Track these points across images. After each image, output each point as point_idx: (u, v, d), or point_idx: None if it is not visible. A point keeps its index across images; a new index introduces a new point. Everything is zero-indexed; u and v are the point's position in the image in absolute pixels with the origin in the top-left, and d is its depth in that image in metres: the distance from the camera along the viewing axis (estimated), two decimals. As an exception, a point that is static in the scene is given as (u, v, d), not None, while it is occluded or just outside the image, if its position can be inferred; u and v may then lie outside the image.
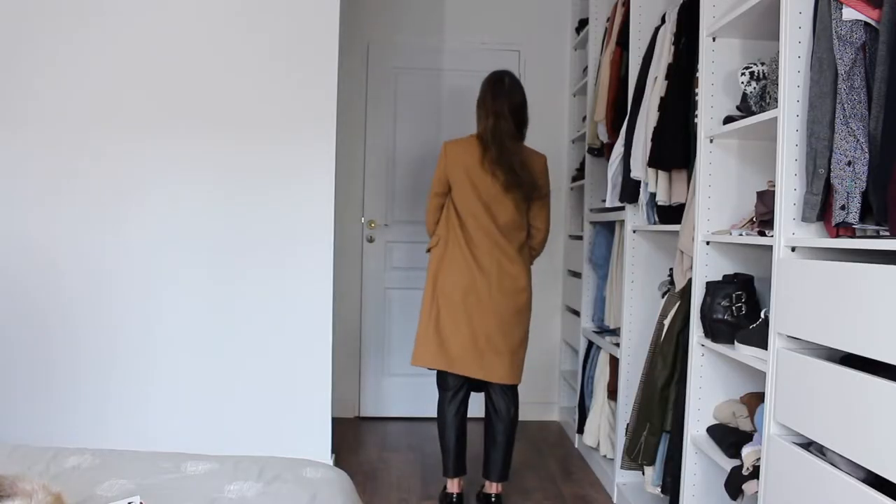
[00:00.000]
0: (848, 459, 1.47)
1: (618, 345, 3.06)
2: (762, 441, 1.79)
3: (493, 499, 2.83)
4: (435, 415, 2.92)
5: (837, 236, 1.62)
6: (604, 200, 3.29)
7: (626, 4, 3.05)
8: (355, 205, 4.13)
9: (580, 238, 3.80)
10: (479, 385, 2.86)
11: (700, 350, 2.26)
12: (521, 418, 4.14)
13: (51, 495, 1.29)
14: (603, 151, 3.35)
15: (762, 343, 1.89)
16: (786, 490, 1.67)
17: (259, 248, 2.96)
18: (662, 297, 2.69)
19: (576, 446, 3.73)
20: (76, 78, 2.88)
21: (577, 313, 3.80)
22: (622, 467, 2.70)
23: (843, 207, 1.56)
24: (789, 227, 1.76)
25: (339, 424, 3.41)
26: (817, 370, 1.58)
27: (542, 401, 4.25)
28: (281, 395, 2.99)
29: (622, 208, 3.04)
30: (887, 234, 1.48)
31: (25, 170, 2.88)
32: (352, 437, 3.79)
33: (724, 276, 2.20)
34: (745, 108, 2.06)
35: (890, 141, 1.45)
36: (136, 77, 2.90)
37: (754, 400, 2.10)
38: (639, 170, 2.69)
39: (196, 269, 2.95)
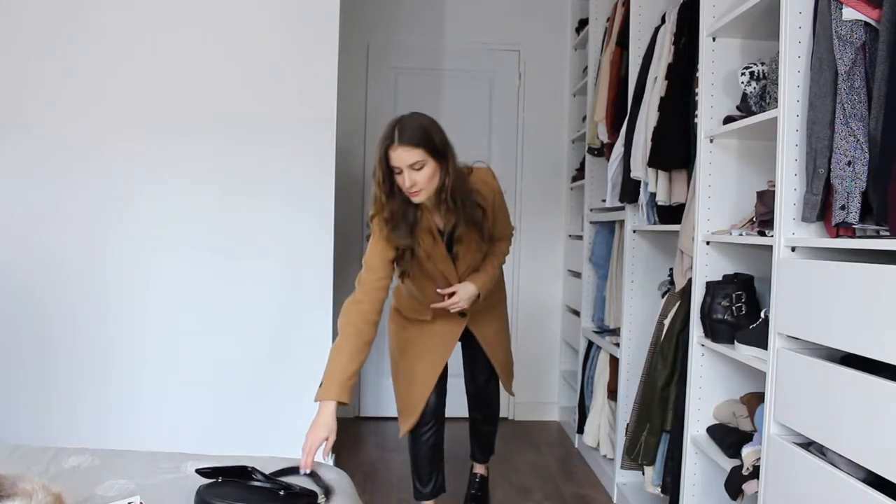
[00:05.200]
0: (848, 459, 1.47)
1: (618, 345, 3.05)
2: (762, 441, 1.79)
3: (477, 479, 2.85)
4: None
5: (837, 236, 1.62)
6: (604, 200, 3.29)
7: (626, 4, 3.05)
8: (355, 205, 4.12)
9: (580, 238, 3.80)
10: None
11: (700, 350, 2.26)
12: (521, 418, 4.19)
13: (51, 495, 1.29)
14: (603, 151, 3.35)
15: (762, 343, 1.89)
16: (786, 490, 1.67)
17: (259, 249, 2.96)
18: (662, 297, 2.69)
19: (576, 446, 3.73)
20: (81, 81, 2.88)
21: (577, 313, 3.80)
22: (622, 467, 2.70)
23: (843, 207, 1.56)
24: (789, 227, 1.76)
25: (339, 424, 3.40)
26: (817, 370, 1.58)
27: (542, 401, 4.25)
28: (281, 396, 2.99)
29: (622, 208, 3.04)
30: (887, 234, 1.48)
31: (30, 171, 2.87)
32: (352, 437, 3.79)
33: (724, 276, 2.20)
34: (745, 108, 2.06)
35: (890, 141, 1.45)
36: (138, 78, 2.90)
37: (754, 400, 2.10)
38: (639, 170, 2.69)
39: (197, 269, 2.95)
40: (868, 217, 1.54)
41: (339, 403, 2.09)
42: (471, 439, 2.86)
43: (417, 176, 2.10)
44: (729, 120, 2.15)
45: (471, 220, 2.25)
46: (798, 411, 1.65)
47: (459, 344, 2.62)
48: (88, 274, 2.91)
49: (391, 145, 2.08)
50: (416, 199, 2.16)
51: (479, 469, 2.88)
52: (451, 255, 2.34)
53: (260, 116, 2.94)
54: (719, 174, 2.25)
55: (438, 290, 2.37)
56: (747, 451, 1.93)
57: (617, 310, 3.20)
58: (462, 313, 2.47)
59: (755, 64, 2.03)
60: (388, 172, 2.14)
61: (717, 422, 2.26)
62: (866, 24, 1.54)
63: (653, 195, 2.65)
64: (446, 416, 2.58)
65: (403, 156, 2.07)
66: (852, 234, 1.60)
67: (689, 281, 2.35)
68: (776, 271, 1.77)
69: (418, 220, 2.24)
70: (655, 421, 2.44)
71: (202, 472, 1.61)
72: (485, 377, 2.68)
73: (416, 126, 2.11)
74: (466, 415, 2.82)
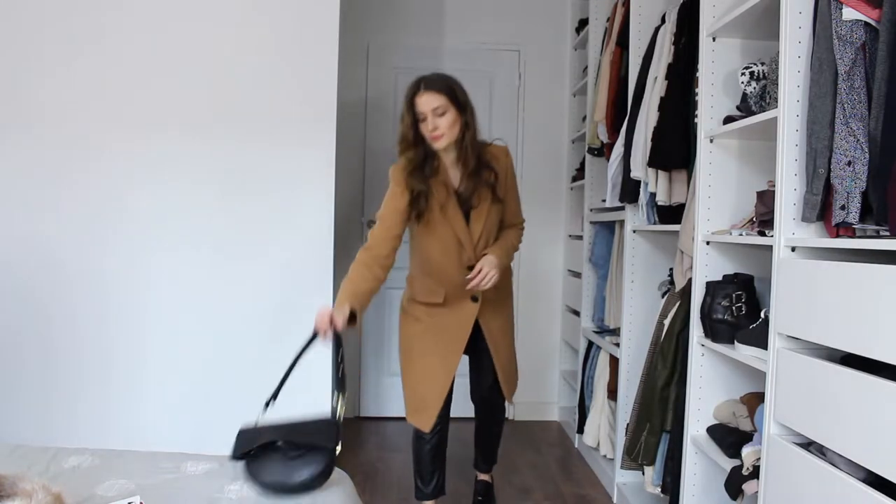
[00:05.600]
0: (848, 459, 1.47)
1: (618, 345, 3.05)
2: (762, 441, 1.79)
3: (483, 487, 2.85)
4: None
5: (837, 236, 1.62)
6: (604, 200, 3.29)
7: (626, 4, 3.05)
8: (355, 205, 4.12)
9: (580, 238, 3.80)
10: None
11: (700, 350, 2.26)
12: (521, 418, 4.19)
13: (51, 495, 1.29)
14: (603, 151, 3.35)
15: (762, 343, 1.89)
16: (786, 490, 1.67)
17: (259, 248, 2.96)
18: (662, 297, 2.69)
19: (576, 446, 3.73)
20: (80, 79, 2.87)
21: (577, 313, 3.80)
22: (622, 467, 2.70)
23: (843, 207, 1.56)
24: (789, 227, 1.76)
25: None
26: (817, 370, 1.58)
27: (542, 401, 4.24)
28: (281, 396, 2.98)
29: (622, 208, 3.04)
30: (887, 234, 1.48)
31: (30, 170, 2.87)
32: (352, 437, 3.79)
33: (724, 276, 2.20)
34: (745, 108, 2.06)
35: (890, 141, 1.46)
36: (138, 78, 2.90)
37: (754, 400, 2.10)
38: (639, 170, 2.69)
39: (197, 269, 2.95)
40: (868, 217, 1.54)
41: (349, 322, 2.13)
42: (475, 446, 2.86)
43: (440, 121, 2.28)
44: (729, 120, 2.15)
45: (484, 180, 2.37)
46: (798, 411, 1.65)
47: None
48: (88, 274, 2.91)
49: (417, 92, 2.29)
50: (437, 145, 2.32)
51: (484, 476, 2.88)
52: (463, 215, 2.39)
53: (260, 116, 2.94)
54: (719, 174, 2.25)
55: (467, 278, 2.36)
56: (747, 451, 1.93)
57: (617, 310, 3.20)
58: (474, 298, 2.47)
59: (755, 64, 2.03)
60: (414, 122, 2.31)
61: (717, 422, 2.26)
62: (866, 24, 1.54)
63: (653, 195, 2.65)
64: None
65: (428, 100, 2.27)
66: (852, 234, 1.60)
67: (689, 281, 2.35)
68: (776, 271, 1.77)
69: (435, 171, 2.37)
70: (655, 421, 2.44)
71: (237, 457, 1.67)
72: (489, 383, 2.65)
73: (441, 78, 2.35)
74: (466, 415, 2.82)
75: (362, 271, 2.28)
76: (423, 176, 2.34)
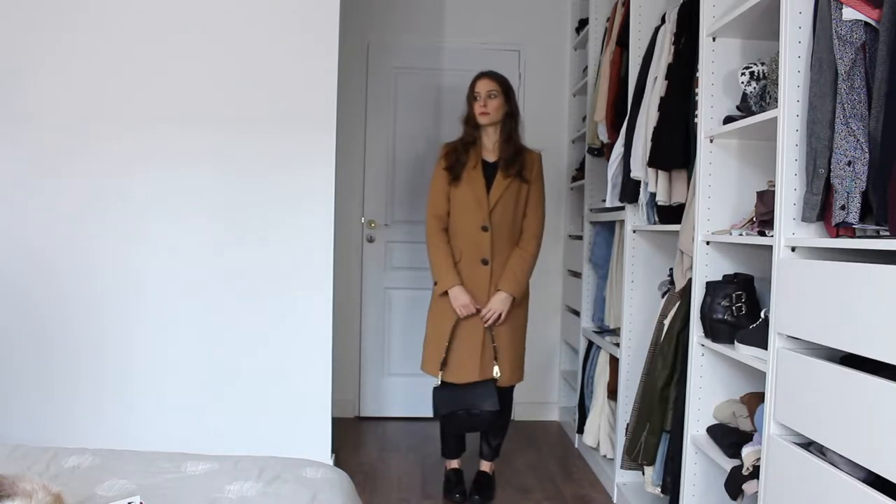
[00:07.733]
0: (848, 459, 1.47)
1: (618, 345, 3.06)
2: (762, 441, 1.79)
3: (483, 478, 3.02)
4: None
5: (837, 236, 1.62)
6: (604, 200, 3.28)
7: (626, 4, 3.05)
8: (355, 205, 4.13)
9: (580, 238, 3.80)
10: None
11: (700, 350, 2.26)
12: (521, 418, 4.19)
13: (51, 495, 1.29)
14: (603, 151, 3.35)
15: (762, 343, 1.89)
16: (786, 490, 1.67)
17: (259, 248, 2.96)
18: (662, 297, 2.69)
19: (576, 446, 3.73)
20: (75, 76, 2.88)
21: (577, 313, 3.80)
22: (622, 467, 2.70)
23: (843, 207, 1.56)
24: (789, 227, 1.76)
25: (339, 424, 3.41)
26: (817, 370, 1.58)
27: (542, 401, 4.25)
28: (281, 395, 2.99)
29: (622, 208, 3.04)
30: (887, 234, 1.48)
31: (24, 169, 2.88)
32: (352, 437, 3.79)
33: (724, 276, 2.20)
34: (745, 108, 2.06)
35: (890, 141, 1.46)
36: (136, 76, 2.90)
37: (754, 400, 2.10)
38: (639, 170, 2.69)
39: (195, 269, 2.95)
40: (868, 217, 1.54)
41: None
42: (481, 435, 3.05)
43: (490, 102, 2.84)
44: (729, 120, 2.15)
45: (516, 166, 2.84)
46: (798, 411, 1.66)
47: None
48: (85, 274, 2.91)
49: (479, 77, 2.90)
50: (482, 120, 2.85)
51: (485, 467, 3.04)
52: (486, 184, 2.84)
53: (260, 116, 2.94)
54: (719, 174, 2.25)
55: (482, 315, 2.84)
56: (747, 451, 1.93)
57: (617, 310, 3.20)
58: (484, 261, 2.85)
59: (755, 64, 2.03)
60: (471, 103, 2.87)
61: (717, 422, 2.26)
62: (866, 24, 1.54)
63: (653, 195, 2.65)
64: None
65: (485, 84, 2.86)
66: (852, 234, 1.60)
67: (689, 281, 2.35)
68: (776, 271, 1.77)
69: (475, 145, 2.90)
70: (655, 421, 2.44)
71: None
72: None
73: (499, 74, 2.92)
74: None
75: (446, 246, 2.88)
76: (461, 149, 2.89)
